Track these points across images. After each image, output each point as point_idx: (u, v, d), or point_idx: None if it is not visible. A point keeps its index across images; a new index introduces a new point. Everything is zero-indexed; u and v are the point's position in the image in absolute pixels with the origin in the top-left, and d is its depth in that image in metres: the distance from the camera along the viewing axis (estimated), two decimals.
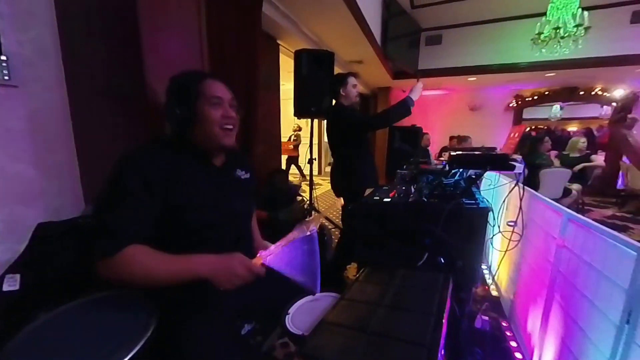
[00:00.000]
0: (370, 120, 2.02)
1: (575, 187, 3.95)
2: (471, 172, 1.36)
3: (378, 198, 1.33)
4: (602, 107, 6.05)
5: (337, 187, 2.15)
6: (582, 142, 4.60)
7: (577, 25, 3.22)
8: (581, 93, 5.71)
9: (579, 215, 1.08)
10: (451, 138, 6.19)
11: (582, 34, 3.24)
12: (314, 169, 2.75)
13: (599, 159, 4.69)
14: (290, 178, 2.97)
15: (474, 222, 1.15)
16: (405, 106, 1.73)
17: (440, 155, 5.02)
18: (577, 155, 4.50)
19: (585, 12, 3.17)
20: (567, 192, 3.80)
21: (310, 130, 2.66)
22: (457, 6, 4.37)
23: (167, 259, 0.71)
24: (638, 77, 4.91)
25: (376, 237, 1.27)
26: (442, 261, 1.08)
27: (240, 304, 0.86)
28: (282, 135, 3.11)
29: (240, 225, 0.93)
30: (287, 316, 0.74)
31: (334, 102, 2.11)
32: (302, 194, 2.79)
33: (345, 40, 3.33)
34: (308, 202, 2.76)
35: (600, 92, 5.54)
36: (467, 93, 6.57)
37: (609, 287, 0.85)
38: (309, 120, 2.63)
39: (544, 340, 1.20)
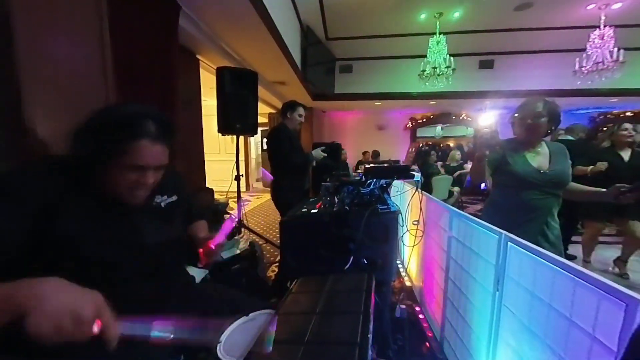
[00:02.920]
0: (286, 160, 2.22)
1: (456, 189, 4.91)
2: (382, 181, 1.52)
3: (306, 210, 1.35)
4: (467, 128, 7.75)
5: (274, 201, 2.29)
6: (458, 154, 5.82)
7: (447, 67, 4.09)
8: (453, 117, 7.21)
9: (460, 211, 1.33)
10: (364, 153, 6.87)
11: (451, 74, 4.14)
12: (241, 185, 2.63)
13: (469, 167, 5.99)
14: (217, 196, 2.74)
15: (387, 224, 1.28)
16: (309, 158, 2.26)
17: (357, 168, 5.50)
18: (455, 164, 5.64)
19: (452, 58, 4.07)
20: (450, 194, 4.68)
21: (236, 146, 2.55)
22: (363, 42, 4.99)
23: None
24: (486, 107, 6.50)
25: (306, 247, 1.28)
26: (365, 262, 1.16)
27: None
28: (205, 152, 2.87)
29: (154, 260, 0.78)
30: (218, 344, 0.67)
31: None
32: (229, 211, 2.62)
33: (268, 62, 3.37)
34: (236, 219, 2.60)
35: (465, 117, 7.10)
36: (375, 115, 7.46)
37: (483, 264, 1.07)
38: (234, 137, 2.52)
39: (446, 315, 1.41)
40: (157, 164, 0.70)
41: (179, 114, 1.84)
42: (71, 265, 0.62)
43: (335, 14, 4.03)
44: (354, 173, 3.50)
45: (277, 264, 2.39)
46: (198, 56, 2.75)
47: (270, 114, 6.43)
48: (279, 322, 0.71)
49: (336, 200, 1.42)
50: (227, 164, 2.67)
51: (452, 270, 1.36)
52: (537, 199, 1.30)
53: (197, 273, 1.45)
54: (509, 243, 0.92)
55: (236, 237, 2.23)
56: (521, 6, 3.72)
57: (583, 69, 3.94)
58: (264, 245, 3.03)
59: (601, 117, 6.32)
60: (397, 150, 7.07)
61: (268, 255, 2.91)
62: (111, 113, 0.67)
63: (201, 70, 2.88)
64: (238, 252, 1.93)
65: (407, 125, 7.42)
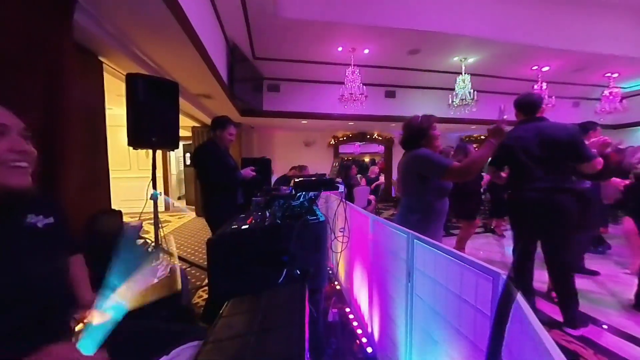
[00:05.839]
0: (214, 179, 2.07)
1: (373, 198, 5.46)
2: (311, 193, 1.56)
3: (236, 227, 1.27)
4: (378, 145, 8.82)
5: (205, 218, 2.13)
6: (377, 169, 6.54)
7: (361, 94, 4.61)
8: (368, 137, 8.09)
9: (378, 217, 1.47)
10: (291, 168, 6.98)
11: (364, 100, 4.68)
12: (160, 204, 2.28)
13: (382, 178, 6.79)
14: (127, 219, 2.29)
15: (317, 233, 1.31)
16: (238, 177, 2.13)
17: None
18: (373, 176, 6.31)
19: (364, 86, 4.62)
20: (369, 202, 5.17)
21: (152, 161, 2.21)
22: (289, 65, 5.17)
23: None
24: (393, 129, 7.56)
25: (238, 265, 1.18)
26: (298, 272, 1.15)
27: None
28: (110, 168, 2.37)
29: (43, 294, 0.60)
30: None
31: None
32: (144, 235, 2.22)
33: (191, 74, 3.10)
34: (153, 243, 2.22)
35: (377, 137, 8.07)
36: (302, 132, 7.71)
37: (398, 261, 1.20)
38: (150, 151, 2.19)
39: (372, 311, 1.51)
40: (19, 126, 0.59)
41: (70, 121, 1.48)
42: None
43: (262, 35, 4.07)
44: (283, 187, 3.50)
45: (206, 288, 2.14)
46: (101, 58, 2.31)
47: (194, 127, 5.88)
48: (210, 351, 0.62)
49: (267, 214, 1.38)
50: (141, 181, 2.28)
51: (374, 270, 1.48)
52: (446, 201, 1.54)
53: None
54: (415, 240, 1.07)
55: (152, 264, 1.89)
56: (412, 51, 4.56)
57: (454, 103, 5.07)
58: (189, 269, 2.67)
59: (466, 138, 8.22)
60: (323, 165, 7.44)
61: (194, 280, 2.57)
62: None
63: (106, 75, 2.42)
64: (156, 281, 1.64)
65: (330, 143, 7.93)
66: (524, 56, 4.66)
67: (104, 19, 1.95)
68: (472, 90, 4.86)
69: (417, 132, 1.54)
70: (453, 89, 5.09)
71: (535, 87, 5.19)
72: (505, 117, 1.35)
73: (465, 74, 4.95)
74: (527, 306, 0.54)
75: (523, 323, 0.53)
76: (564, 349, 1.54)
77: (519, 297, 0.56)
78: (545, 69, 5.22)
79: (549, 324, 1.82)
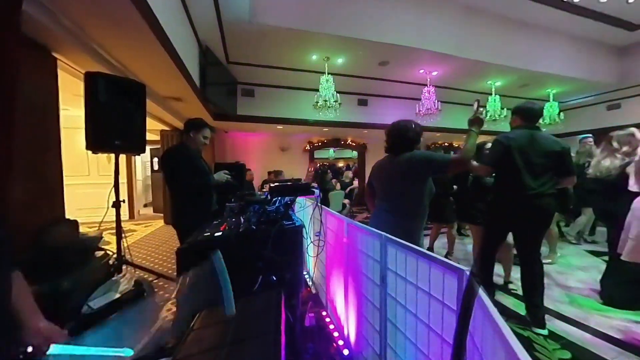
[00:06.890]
0: (186, 183, 1.94)
1: (347, 201, 5.55)
2: (286, 198, 1.55)
3: (209, 234, 1.21)
4: (352, 151, 9.01)
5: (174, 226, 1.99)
6: (350, 174, 6.66)
7: (335, 101, 4.69)
8: (342, 142, 8.24)
9: (352, 220, 1.50)
10: (269, 173, 6.90)
11: (338, 107, 4.77)
12: (123, 212, 2.10)
13: (356, 182, 6.92)
14: (85, 229, 2.07)
15: (293, 238, 1.30)
16: (212, 181, 2.00)
17: (262, 187, 5.42)
18: (347, 181, 6.42)
19: (338, 94, 4.71)
20: (344, 206, 5.24)
21: (114, 166, 2.04)
22: (264, 71, 5.11)
23: None
24: (365, 136, 7.79)
25: (210, 275, 1.12)
26: (274, 279, 1.13)
27: None
28: (64, 174, 2.14)
29: None
30: None
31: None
32: (104, 246, 2.03)
33: (159, 75, 2.93)
34: (115, 255, 2.04)
35: (350, 142, 8.25)
36: (278, 137, 7.64)
37: (372, 263, 1.22)
38: (112, 155, 2.02)
39: (348, 313, 1.52)
40: None
41: (15, 123, 1.31)
42: None
43: (236, 40, 3.99)
44: (259, 192, 3.42)
45: (174, 300, 2.00)
46: (56, 54, 2.10)
47: (163, 131, 5.55)
48: None
49: (242, 220, 1.34)
50: (102, 187, 2.09)
51: (350, 272, 1.50)
52: None
53: None
54: (387, 242, 1.10)
55: (114, 278, 1.74)
56: (382, 62, 4.77)
57: (420, 112, 5.37)
58: (156, 281, 2.48)
59: (432, 145, 8.73)
60: (298, 170, 7.42)
61: (162, 292, 2.39)
62: None
63: (62, 73, 2.20)
64: (117, 295, 1.51)
65: (306, 148, 7.96)
66: (479, 71, 5.09)
67: (58, 10, 1.77)
68: (436, 101, 5.20)
69: (415, 135, 1.54)
70: (419, 99, 5.40)
71: (489, 98, 5.68)
72: (480, 109, 1.45)
73: (429, 85, 5.28)
74: (488, 299, 0.58)
75: (485, 315, 0.56)
76: (518, 336, 1.67)
77: (481, 291, 0.60)
78: (498, 83, 5.75)
79: (506, 314, 1.97)
